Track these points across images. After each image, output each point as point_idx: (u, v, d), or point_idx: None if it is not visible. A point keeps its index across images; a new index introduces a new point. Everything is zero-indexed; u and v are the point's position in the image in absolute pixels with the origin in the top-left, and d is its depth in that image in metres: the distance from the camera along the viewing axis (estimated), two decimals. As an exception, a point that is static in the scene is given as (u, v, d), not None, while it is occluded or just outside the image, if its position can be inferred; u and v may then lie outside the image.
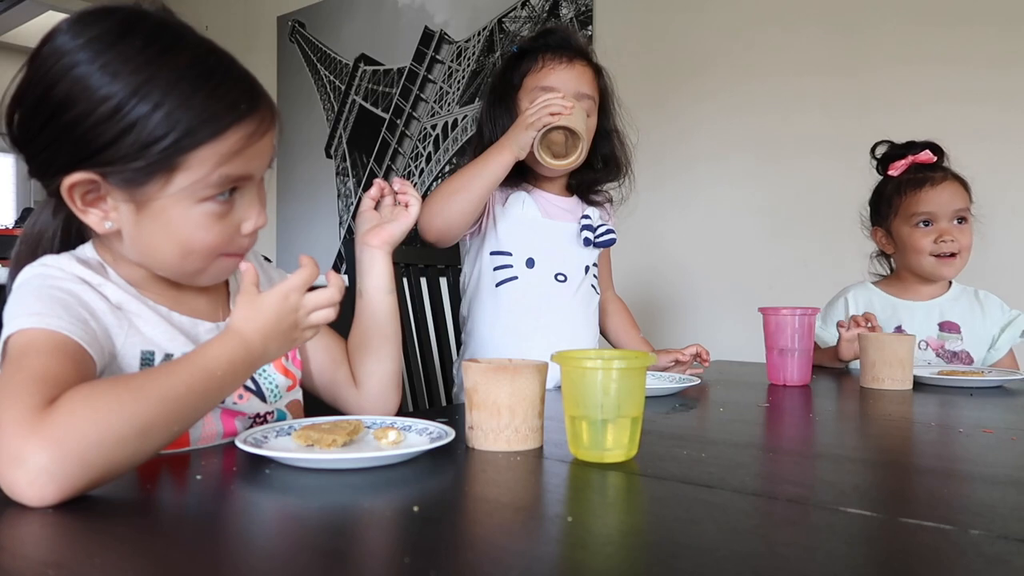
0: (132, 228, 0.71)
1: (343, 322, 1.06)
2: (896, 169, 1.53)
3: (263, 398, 0.85)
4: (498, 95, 1.32)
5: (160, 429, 0.59)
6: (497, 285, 1.29)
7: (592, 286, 1.36)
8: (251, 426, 0.83)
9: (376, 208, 0.99)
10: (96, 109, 0.65)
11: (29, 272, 0.71)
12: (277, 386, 0.87)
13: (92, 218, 0.71)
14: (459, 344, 1.40)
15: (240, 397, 0.82)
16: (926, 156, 1.49)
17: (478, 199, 1.19)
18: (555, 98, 1.16)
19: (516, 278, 1.28)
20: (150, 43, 0.67)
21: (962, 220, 1.49)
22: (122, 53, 0.65)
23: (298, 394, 0.92)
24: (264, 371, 0.86)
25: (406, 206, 0.96)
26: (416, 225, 1.19)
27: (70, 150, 0.66)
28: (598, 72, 1.33)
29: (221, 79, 0.69)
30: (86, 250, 0.77)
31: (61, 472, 0.53)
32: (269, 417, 0.86)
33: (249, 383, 0.84)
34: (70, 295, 0.69)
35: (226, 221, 0.72)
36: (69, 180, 0.67)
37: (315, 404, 0.97)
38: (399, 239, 0.95)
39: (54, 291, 0.68)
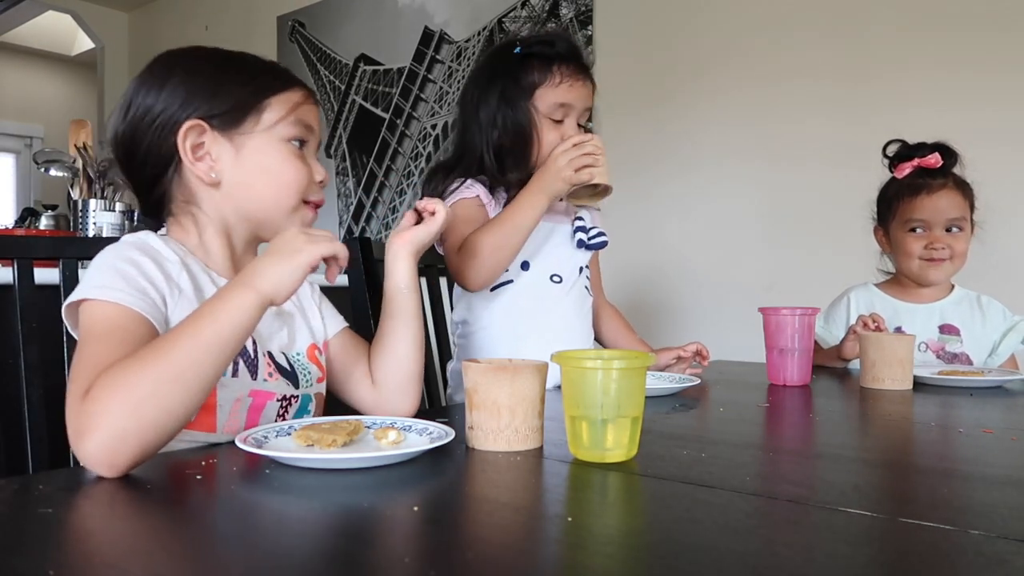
0: (232, 173, 0.85)
1: (361, 323, 1.06)
2: (901, 171, 1.53)
3: (296, 382, 0.89)
4: (508, 99, 1.24)
5: (174, 385, 0.65)
6: (491, 289, 1.28)
7: (585, 287, 1.36)
8: (278, 410, 0.87)
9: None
10: (191, 83, 0.84)
11: (106, 248, 0.82)
12: (310, 373, 0.92)
13: (201, 168, 0.84)
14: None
15: (270, 375, 0.86)
16: (932, 160, 1.49)
17: (520, 248, 1.20)
18: (587, 147, 1.16)
19: (511, 281, 1.27)
20: (215, 52, 0.89)
21: (957, 228, 1.49)
22: (193, 62, 0.86)
23: (323, 389, 0.95)
24: (299, 359, 0.91)
25: (432, 214, 0.98)
26: (459, 280, 1.23)
27: (177, 113, 0.83)
28: (594, 84, 1.32)
29: (275, 63, 0.92)
30: (162, 233, 0.89)
31: (106, 448, 0.62)
32: (294, 401, 0.88)
33: (284, 364, 0.88)
34: (133, 265, 0.78)
35: (303, 162, 0.89)
36: (184, 127, 0.83)
37: (334, 402, 0.98)
38: (423, 241, 0.97)
39: (118, 262, 0.78)
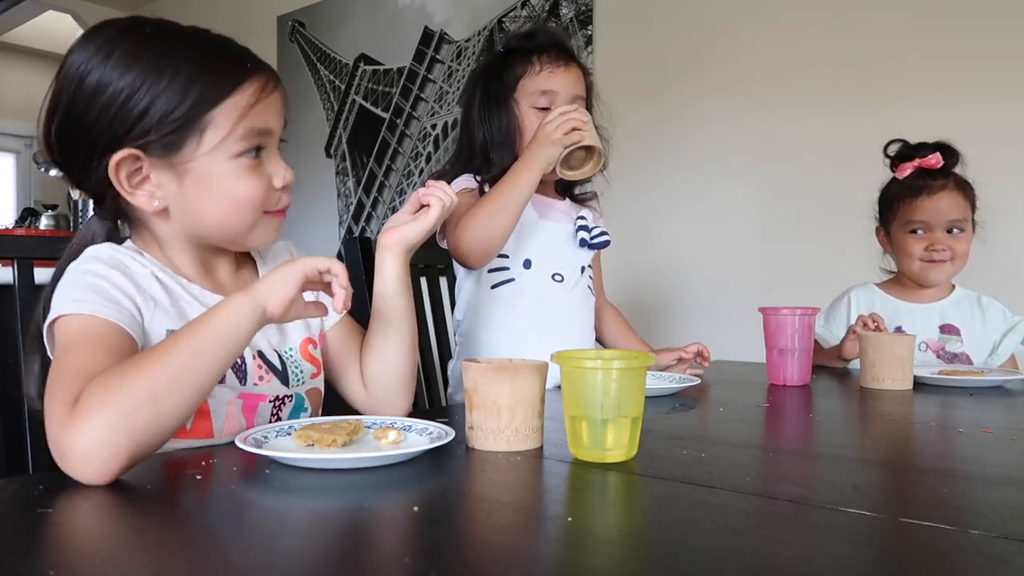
0: (178, 199, 0.78)
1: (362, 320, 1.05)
2: (902, 172, 1.53)
3: (286, 381, 0.87)
4: (491, 96, 1.30)
5: (167, 391, 0.63)
6: (493, 287, 1.28)
7: (588, 287, 1.36)
8: (272, 411, 0.85)
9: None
10: (119, 96, 0.73)
11: (72, 265, 0.77)
12: (302, 371, 0.89)
13: (141, 198, 0.77)
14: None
15: (260, 379, 0.84)
16: (933, 160, 1.49)
17: (516, 217, 1.19)
18: (572, 114, 1.17)
19: (512, 280, 1.28)
20: (153, 36, 0.76)
21: (958, 229, 1.49)
22: (128, 49, 0.74)
23: (320, 384, 0.92)
24: (291, 354, 0.88)
25: (427, 207, 0.92)
26: (457, 256, 1.21)
27: (107, 135, 0.74)
28: (585, 72, 1.34)
29: (224, 48, 0.80)
30: (127, 243, 0.83)
31: (95, 457, 0.59)
32: (288, 400, 0.87)
33: (275, 362, 0.86)
34: (103, 279, 0.74)
35: (259, 174, 0.80)
36: (114, 159, 0.74)
37: (333, 401, 0.96)
38: (412, 241, 0.91)
39: (88, 277, 0.74)
